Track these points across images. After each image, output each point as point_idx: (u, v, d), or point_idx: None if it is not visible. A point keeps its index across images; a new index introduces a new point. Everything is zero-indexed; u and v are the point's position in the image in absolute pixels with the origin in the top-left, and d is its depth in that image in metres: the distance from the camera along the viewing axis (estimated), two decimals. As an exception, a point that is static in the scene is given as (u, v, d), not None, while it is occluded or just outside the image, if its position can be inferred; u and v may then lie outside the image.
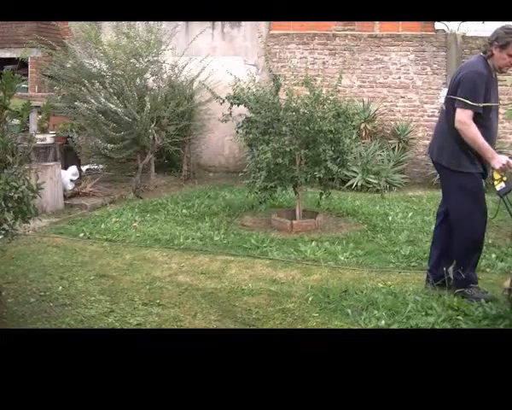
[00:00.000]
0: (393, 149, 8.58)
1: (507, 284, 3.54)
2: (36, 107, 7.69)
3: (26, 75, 9.75)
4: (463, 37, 8.77)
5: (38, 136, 7.29)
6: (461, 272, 3.73)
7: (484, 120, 3.61)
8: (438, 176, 8.13)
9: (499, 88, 4.48)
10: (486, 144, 3.57)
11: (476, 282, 3.78)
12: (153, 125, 7.36)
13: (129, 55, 7.34)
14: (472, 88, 3.57)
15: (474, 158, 3.65)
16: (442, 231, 3.92)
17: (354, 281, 4.18)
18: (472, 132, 3.56)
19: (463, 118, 3.57)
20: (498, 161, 3.53)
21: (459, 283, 3.75)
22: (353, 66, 9.13)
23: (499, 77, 3.86)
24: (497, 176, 3.58)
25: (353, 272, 4.41)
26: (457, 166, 3.69)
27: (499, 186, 3.57)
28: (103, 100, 6.95)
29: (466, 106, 3.55)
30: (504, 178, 3.57)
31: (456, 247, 3.78)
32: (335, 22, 9.14)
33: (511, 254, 4.75)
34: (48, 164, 6.67)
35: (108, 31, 7.90)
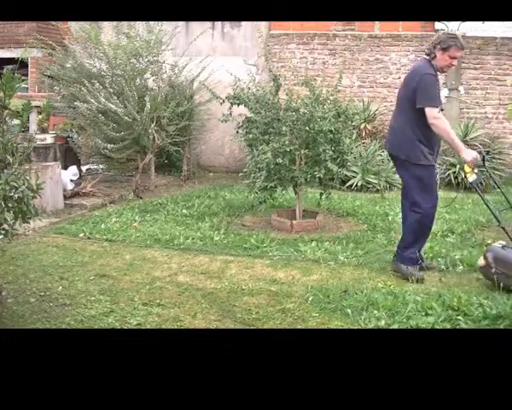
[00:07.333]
0: (393, 149, 8.57)
1: (481, 262, 4.03)
2: (36, 107, 7.69)
3: (26, 75, 9.74)
4: (463, 37, 8.76)
5: (38, 136, 7.31)
6: (406, 250, 4.27)
7: None
8: (438, 176, 8.19)
9: (499, 88, 4.63)
10: (457, 138, 4.07)
11: (418, 262, 4.26)
12: (153, 125, 7.36)
13: (129, 55, 7.33)
14: (431, 88, 4.07)
15: (428, 152, 4.12)
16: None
17: (354, 281, 4.18)
18: (445, 125, 4.04)
19: (435, 114, 4.03)
20: (469, 154, 4.02)
21: (405, 259, 4.27)
22: (353, 66, 9.14)
23: (500, 77, 4.11)
24: (467, 169, 4.01)
25: (353, 272, 4.41)
26: (415, 159, 4.13)
27: (471, 178, 4.00)
28: (103, 100, 6.95)
29: (432, 104, 4.04)
30: (475, 170, 3.99)
31: (408, 229, 4.28)
32: (335, 22, 9.14)
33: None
34: (48, 164, 6.66)
35: (108, 31, 7.89)
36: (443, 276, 4.30)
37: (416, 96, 4.05)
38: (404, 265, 4.27)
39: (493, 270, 3.89)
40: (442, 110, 4.08)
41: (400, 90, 4.34)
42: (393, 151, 4.35)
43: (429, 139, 4.14)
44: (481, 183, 4.10)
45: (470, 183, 4.06)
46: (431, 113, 4.02)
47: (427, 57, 4.16)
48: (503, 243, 4.08)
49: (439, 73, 4.18)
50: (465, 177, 4.11)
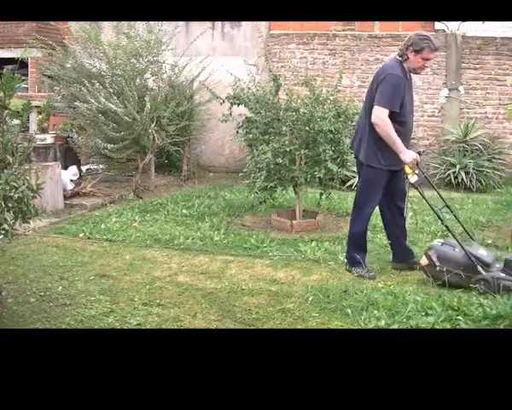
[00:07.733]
0: (393, 149, 8.56)
1: (423, 262, 4.06)
2: (36, 107, 7.69)
3: (26, 75, 9.74)
4: (463, 37, 8.77)
5: (38, 136, 7.31)
6: (349, 251, 4.41)
7: (399, 117, 4.00)
8: (438, 176, 8.22)
9: (499, 88, 4.44)
10: (398, 140, 3.95)
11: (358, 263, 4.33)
12: (153, 125, 7.36)
13: (129, 55, 7.33)
14: (391, 89, 3.98)
15: (386, 155, 4.05)
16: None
17: (354, 281, 4.18)
18: (387, 127, 3.94)
19: (380, 114, 3.96)
20: (409, 155, 3.95)
21: (349, 257, 4.42)
22: (353, 66, 9.13)
23: (500, 77, 4.03)
24: (408, 170, 3.98)
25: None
26: (368, 160, 4.13)
27: (413, 179, 3.99)
28: (103, 100, 6.95)
29: (384, 104, 3.96)
30: (416, 171, 3.98)
31: (350, 230, 4.45)
32: (335, 22, 9.14)
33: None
34: (48, 164, 6.66)
35: (108, 31, 7.89)
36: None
37: (377, 93, 4.01)
38: (350, 264, 4.39)
39: (438, 268, 3.94)
40: (392, 111, 3.97)
41: (367, 91, 4.28)
42: (355, 152, 4.36)
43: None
44: (422, 182, 4.10)
45: (412, 183, 4.02)
46: (377, 112, 3.96)
47: (400, 58, 4.10)
48: (442, 240, 4.16)
49: (412, 74, 4.14)
50: (406, 178, 4.06)
